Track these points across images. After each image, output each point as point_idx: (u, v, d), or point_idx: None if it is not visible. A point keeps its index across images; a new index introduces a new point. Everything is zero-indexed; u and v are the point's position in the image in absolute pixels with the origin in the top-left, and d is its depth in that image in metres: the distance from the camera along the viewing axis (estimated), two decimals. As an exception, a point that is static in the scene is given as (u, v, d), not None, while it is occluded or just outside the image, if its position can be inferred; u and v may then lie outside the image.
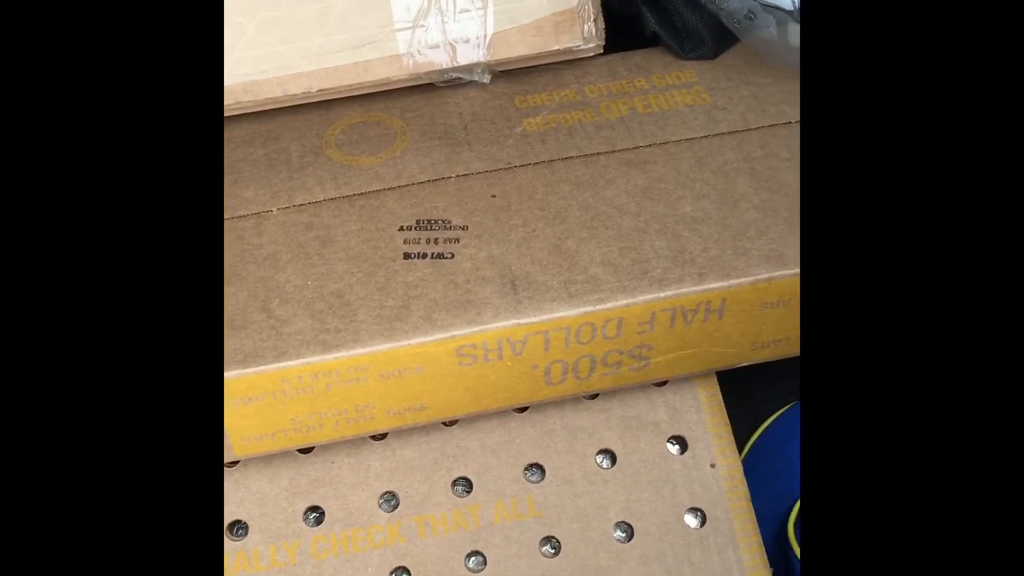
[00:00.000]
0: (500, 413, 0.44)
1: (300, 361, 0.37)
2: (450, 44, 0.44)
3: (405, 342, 0.37)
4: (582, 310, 0.38)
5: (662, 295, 0.38)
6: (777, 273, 0.39)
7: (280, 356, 0.37)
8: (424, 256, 0.40)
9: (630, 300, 0.38)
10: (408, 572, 0.41)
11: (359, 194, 0.42)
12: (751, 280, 0.39)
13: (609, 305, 0.38)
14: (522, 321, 0.38)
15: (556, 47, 0.45)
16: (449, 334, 0.37)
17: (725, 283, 0.39)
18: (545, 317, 0.38)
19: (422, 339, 0.37)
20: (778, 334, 0.42)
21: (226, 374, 0.37)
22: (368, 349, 0.37)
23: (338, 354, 0.37)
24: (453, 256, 0.40)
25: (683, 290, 0.39)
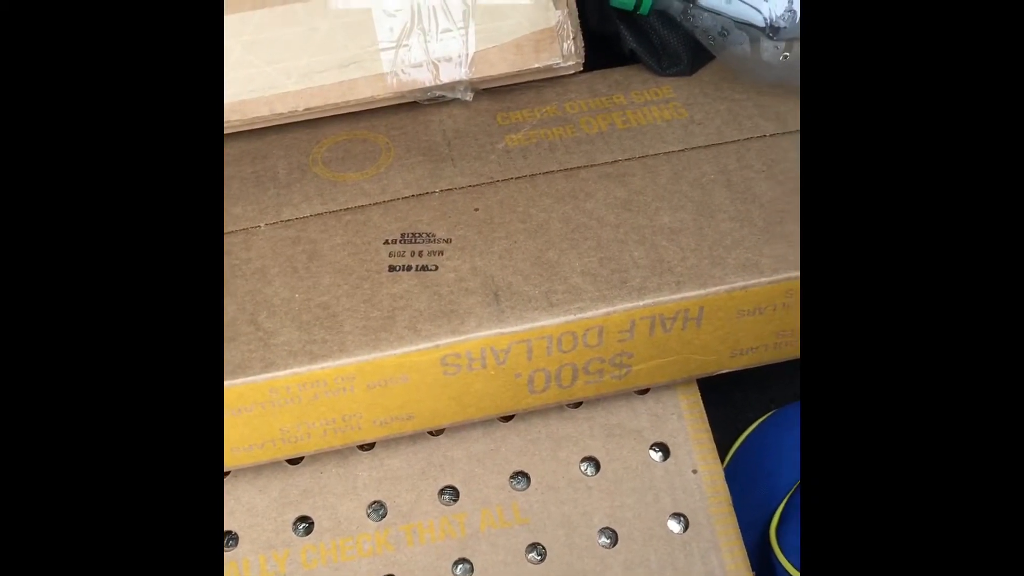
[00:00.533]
0: (485, 422, 0.45)
1: (288, 371, 0.38)
2: (433, 63, 0.46)
3: (390, 352, 0.38)
4: (563, 319, 0.39)
5: (641, 303, 0.39)
6: (752, 281, 0.40)
7: (268, 367, 0.38)
8: (409, 268, 0.41)
9: (610, 309, 0.39)
10: (396, 580, 0.42)
11: (345, 209, 0.43)
12: (727, 288, 0.40)
13: (590, 314, 0.39)
14: (505, 330, 0.39)
15: (536, 65, 0.47)
16: (433, 343, 0.38)
17: (702, 291, 0.40)
18: (527, 326, 0.39)
19: (407, 349, 0.38)
20: (755, 341, 0.43)
21: (215, 385, 0.37)
22: (354, 359, 0.38)
23: (325, 364, 0.38)
24: (437, 268, 0.41)
25: (661, 298, 0.40)
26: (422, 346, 0.38)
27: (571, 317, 0.39)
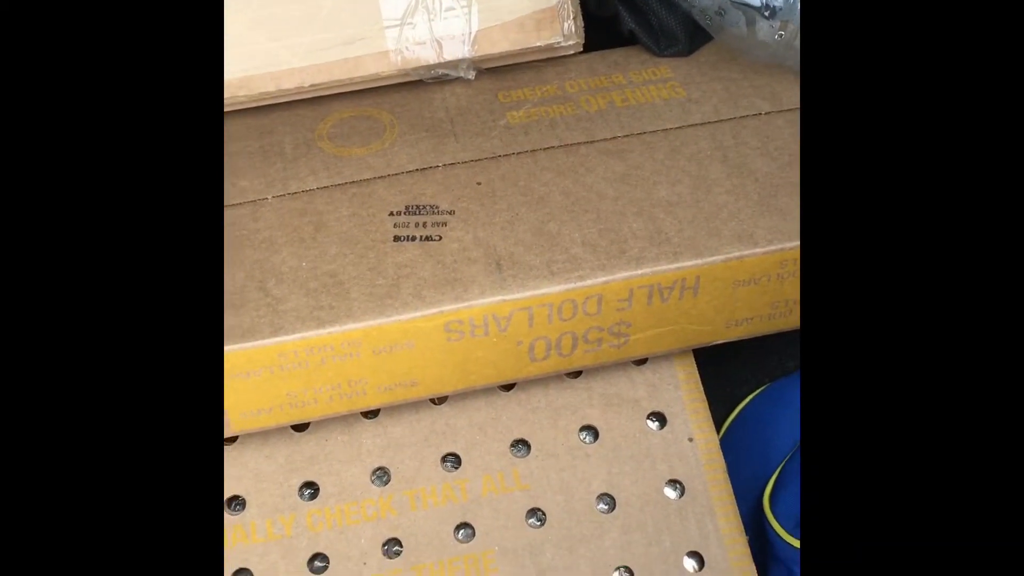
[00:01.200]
0: (487, 392, 0.46)
1: (296, 336, 0.39)
2: (437, 41, 0.47)
3: (396, 317, 0.39)
4: (564, 287, 0.40)
5: (639, 272, 0.41)
6: (748, 252, 0.41)
7: (277, 331, 0.39)
8: (413, 239, 0.42)
9: (609, 277, 0.40)
10: (400, 544, 0.43)
11: (351, 182, 0.44)
12: (723, 258, 0.41)
13: (589, 282, 0.40)
14: (507, 297, 0.40)
15: (538, 43, 0.48)
16: (438, 310, 0.39)
17: (699, 261, 0.41)
18: (528, 294, 0.40)
19: (412, 315, 0.39)
20: (750, 312, 0.44)
21: (225, 349, 0.38)
22: (361, 324, 0.39)
23: (332, 329, 0.39)
24: (441, 238, 0.42)
25: (659, 268, 0.41)
26: (426, 312, 0.39)
27: (571, 285, 0.40)
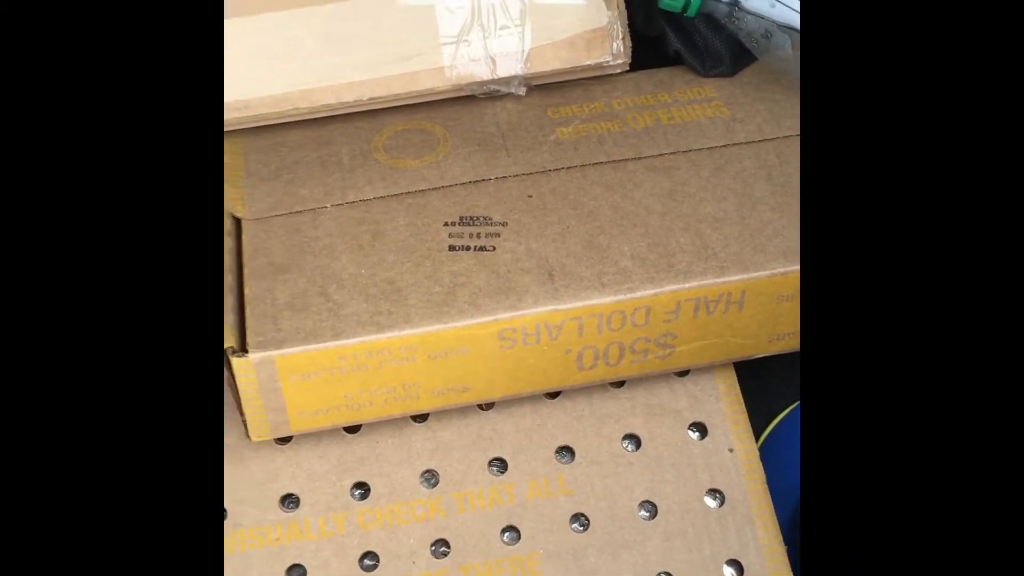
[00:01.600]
0: (533, 399, 0.47)
1: (356, 340, 0.40)
2: (491, 58, 0.48)
3: (452, 324, 0.41)
4: (614, 298, 0.41)
5: (686, 286, 0.42)
6: (792, 268, 0.43)
7: (338, 335, 0.40)
8: (468, 248, 0.43)
9: (657, 290, 0.42)
10: (448, 544, 0.44)
11: (406, 193, 0.46)
12: (768, 273, 0.42)
13: (638, 294, 0.42)
14: (559, 307, 0.41)
15: (588, 62, 0.49)
16: (492, 318, 0.41)
17: (745, 276, 0.42)
18: (580, 304, 0.41)
19: (468, 322, 0.41)
20: (792, 327, 0.45)
21: (288, 351, 0.40)
22: (418, 330, 0.41)
23: (391, 334, 0.40)
24: (494, 249, 0.43)
25: (706, 281, 0.42)
26: (482, 320, 0.41)
27: (621, 296, 0.42)
